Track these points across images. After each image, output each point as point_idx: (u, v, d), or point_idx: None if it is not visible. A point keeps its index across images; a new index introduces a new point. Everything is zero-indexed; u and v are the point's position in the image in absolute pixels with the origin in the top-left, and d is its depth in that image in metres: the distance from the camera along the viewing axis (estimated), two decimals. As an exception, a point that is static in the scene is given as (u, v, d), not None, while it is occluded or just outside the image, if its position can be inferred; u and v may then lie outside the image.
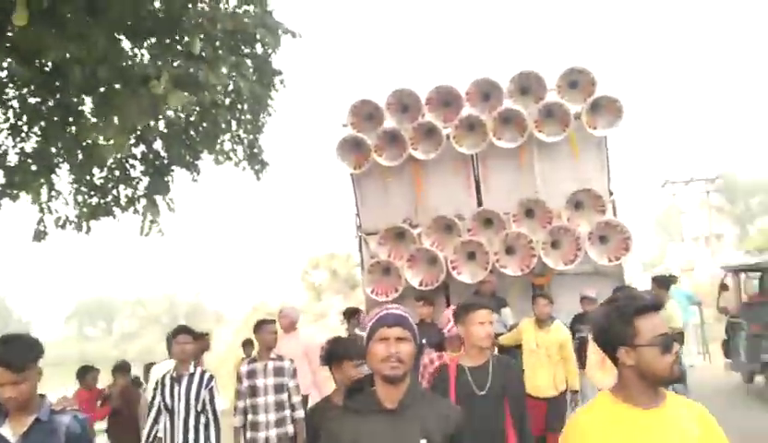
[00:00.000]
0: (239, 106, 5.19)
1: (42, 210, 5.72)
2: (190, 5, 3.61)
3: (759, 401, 8.66)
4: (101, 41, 3.59)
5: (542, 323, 5.42)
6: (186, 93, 3.64)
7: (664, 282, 6.58)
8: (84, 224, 5.75)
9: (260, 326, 4.84)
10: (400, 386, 1.98)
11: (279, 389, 4.63)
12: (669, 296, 6.61)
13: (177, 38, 3.90)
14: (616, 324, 1.78)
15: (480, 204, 6.88)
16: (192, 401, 4.46)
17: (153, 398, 4.61)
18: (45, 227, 5.69)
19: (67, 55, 3.60)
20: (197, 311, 58.09)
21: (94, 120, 4.74)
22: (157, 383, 4.65)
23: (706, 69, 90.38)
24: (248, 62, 5.00)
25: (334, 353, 3.25)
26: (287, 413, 4.64)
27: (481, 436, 2.86)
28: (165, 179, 5.81)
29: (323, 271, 42.41)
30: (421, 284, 6.55)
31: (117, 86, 3.93)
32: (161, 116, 3.84)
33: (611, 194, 6.92)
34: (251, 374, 4.66)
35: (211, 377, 4.60)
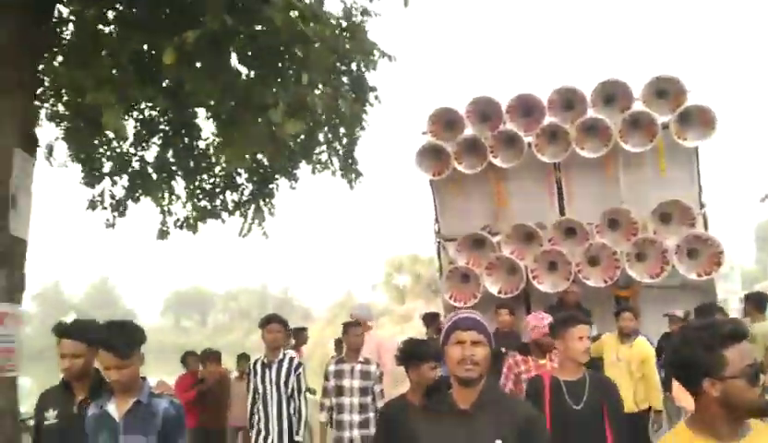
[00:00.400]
0: (335, 120, 5.57)
1: (163, 212, 6.46)
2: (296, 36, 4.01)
3: None
4: (227, 74, 4.09)
5: (625, 337, 5.32)
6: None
7: (758, 301, 6.08)
8: (195, 225, 6.44)
9: (347, 328, 4.98)
10: (475, 388, 2.05)
11: (364, 391, 4.72)
12: (765, 317, 6.24)
13: (288, 67, 4.31)
14: (700, 354, 1.64)
15: (562, 213, 6.83)
16: (282, 386, 4.80)
17: (248, 382, 5.01)
18: (168, 227, 6.45)
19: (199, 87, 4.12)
20: (285, 307, 60.20)
21: (218, 140, 5.31)
22: (250, 368, 5.04)
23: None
24: (345, 80, 5.40)
25: (411, 354, 3.32)
26: (371, 415, 4.70)
27: None
28: (270, 186, 6.38)
29: (406, 275, 42.91)
30: (500, 292, 6.61)
31: (239, 111, 4.39)
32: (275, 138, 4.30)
33: (702, 206, 6.67)
34: (338, 374, 4.79)
35: (300, 364, 4.92)
